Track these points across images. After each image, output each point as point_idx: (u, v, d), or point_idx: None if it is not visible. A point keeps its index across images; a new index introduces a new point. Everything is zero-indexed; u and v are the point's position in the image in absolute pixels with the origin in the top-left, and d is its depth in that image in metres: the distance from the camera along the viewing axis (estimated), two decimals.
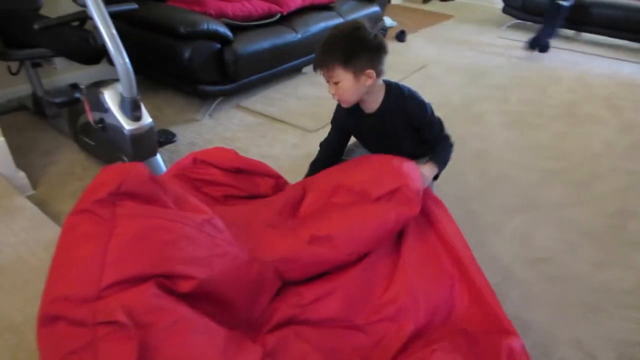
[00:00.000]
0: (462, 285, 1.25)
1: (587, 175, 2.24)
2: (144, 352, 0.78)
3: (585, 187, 2.15)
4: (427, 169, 1.53)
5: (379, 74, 1.41)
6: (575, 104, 3.03)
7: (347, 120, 1.61)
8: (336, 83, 1.39)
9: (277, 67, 2.86)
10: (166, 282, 0.89)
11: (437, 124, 1.59)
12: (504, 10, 4.72)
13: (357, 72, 1.36)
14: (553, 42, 4.20)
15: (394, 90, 1.51)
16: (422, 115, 1.53)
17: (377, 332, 1.13)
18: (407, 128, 1.55)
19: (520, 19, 4.64)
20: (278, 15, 2.93)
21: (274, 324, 1.09)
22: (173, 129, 2.37)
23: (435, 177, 1.64)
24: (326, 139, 1.72)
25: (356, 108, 1.53)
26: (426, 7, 5.53)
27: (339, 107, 1.60)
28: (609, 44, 4.33)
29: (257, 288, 1.11)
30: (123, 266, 0.85)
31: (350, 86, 1.38)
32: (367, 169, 1.42)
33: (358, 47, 1.34)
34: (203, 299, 0.96)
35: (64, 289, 0.84)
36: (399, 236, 1.34)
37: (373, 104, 1.51)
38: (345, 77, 1.37)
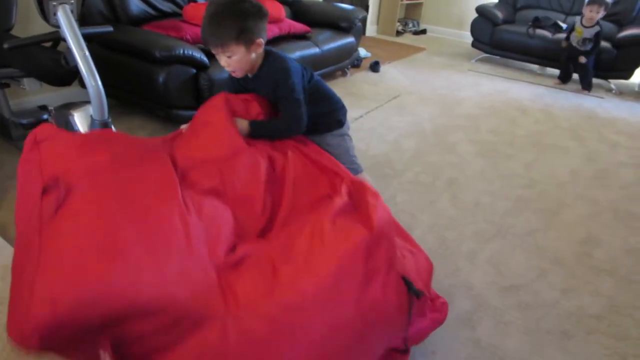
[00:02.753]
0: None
1: (555, 203, 2.30)
2: (66, 195, 1.11)
3: (554, 214, 2.21)
4: (243, 123, 1.52)
5: (264, 40, 1.47)
6: (542, 134, 3.14)
7: (237, 82, 1.64)
8: (229, 57, 1.45)
9: None
10: (88, 163, 1.23)
11: (292, 102, 1.54)
12: (473, 45, 4.91)
13: (248, 44, 1.43)
14: (518, 76, 4.39)
15: (272, 58, 1.55)
16: (282, 85, 1.53)
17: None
18: (275, 96, 1.57)
19: (487, 53, 4.82)
20: None
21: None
22: None
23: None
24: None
25: None
26: (399, 39, 5.69)
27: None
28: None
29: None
30: (51, 170, 1.19)
31: (243, 57, 1.46)
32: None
33: (245, 20, 1.40)
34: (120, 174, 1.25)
35: (23, 206, 1.18)
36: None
37: (255, 68, 1.55)
38: (238, 51, 1.43)
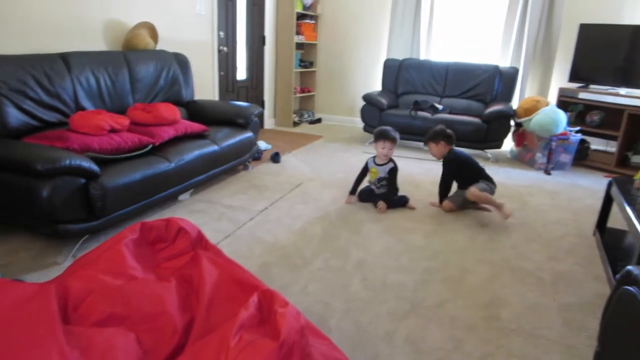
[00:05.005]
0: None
1: (458, 271, 2.41)
2: None
3: (459, 282, 2.30)
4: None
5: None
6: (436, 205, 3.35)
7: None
8: None
9: (151, 197, 2.77)
10: None
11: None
12: (365, 129, 5.29)
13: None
14: (408, 154, 4.75)
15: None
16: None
17: None
18: None
19: None
20: (150, 146, 2.92)
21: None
22: (29, 277, 2.09)
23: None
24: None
25: None
26: (297, 129, 5.96)
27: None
28: None
29: None
30: None
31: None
32: None
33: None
34: None
35: None
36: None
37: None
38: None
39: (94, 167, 2.35)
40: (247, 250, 2.53)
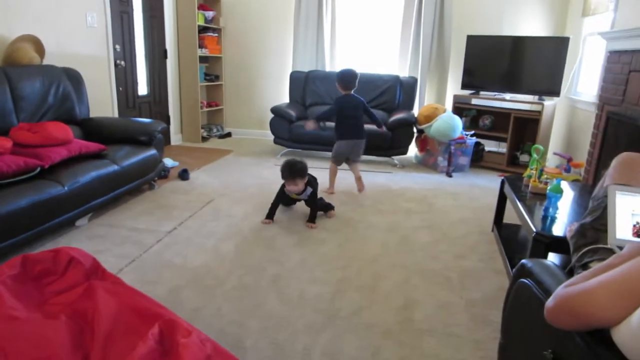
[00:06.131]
0: None
1: (372, 278, 2.45)
2: None
3: (373, 289, 2.34)
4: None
5: None
6: (348, 213, 3.41)
7: None
8: None
9: (41, 225, 2.51)
10: None
11: None
12: (275, 142, 5.27)
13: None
14: (320, 164, 4.80)
15: None
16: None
17: None
18: None
19: (289, 148, 5.21)
20: (38, 169, 2.65)
21: None
22: None
23: None
24: None
25: None
26: (206, 145, 5.79)
27: None
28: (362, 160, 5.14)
29: None
30: None
31: None
32: None
33: None
34: None
35: None
36: None
37: None
38: None
39: None
40: (155, 275, 2.38)
